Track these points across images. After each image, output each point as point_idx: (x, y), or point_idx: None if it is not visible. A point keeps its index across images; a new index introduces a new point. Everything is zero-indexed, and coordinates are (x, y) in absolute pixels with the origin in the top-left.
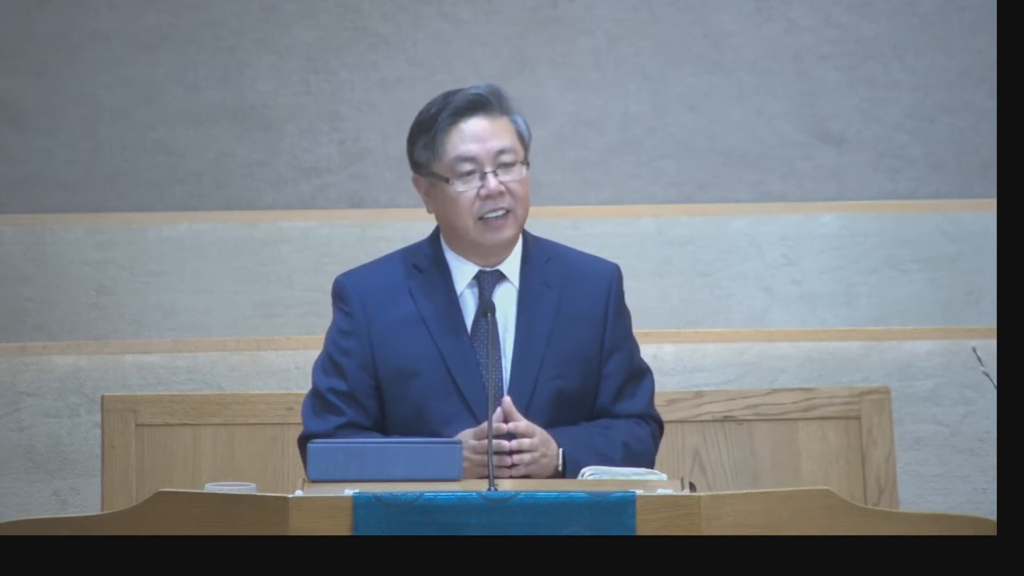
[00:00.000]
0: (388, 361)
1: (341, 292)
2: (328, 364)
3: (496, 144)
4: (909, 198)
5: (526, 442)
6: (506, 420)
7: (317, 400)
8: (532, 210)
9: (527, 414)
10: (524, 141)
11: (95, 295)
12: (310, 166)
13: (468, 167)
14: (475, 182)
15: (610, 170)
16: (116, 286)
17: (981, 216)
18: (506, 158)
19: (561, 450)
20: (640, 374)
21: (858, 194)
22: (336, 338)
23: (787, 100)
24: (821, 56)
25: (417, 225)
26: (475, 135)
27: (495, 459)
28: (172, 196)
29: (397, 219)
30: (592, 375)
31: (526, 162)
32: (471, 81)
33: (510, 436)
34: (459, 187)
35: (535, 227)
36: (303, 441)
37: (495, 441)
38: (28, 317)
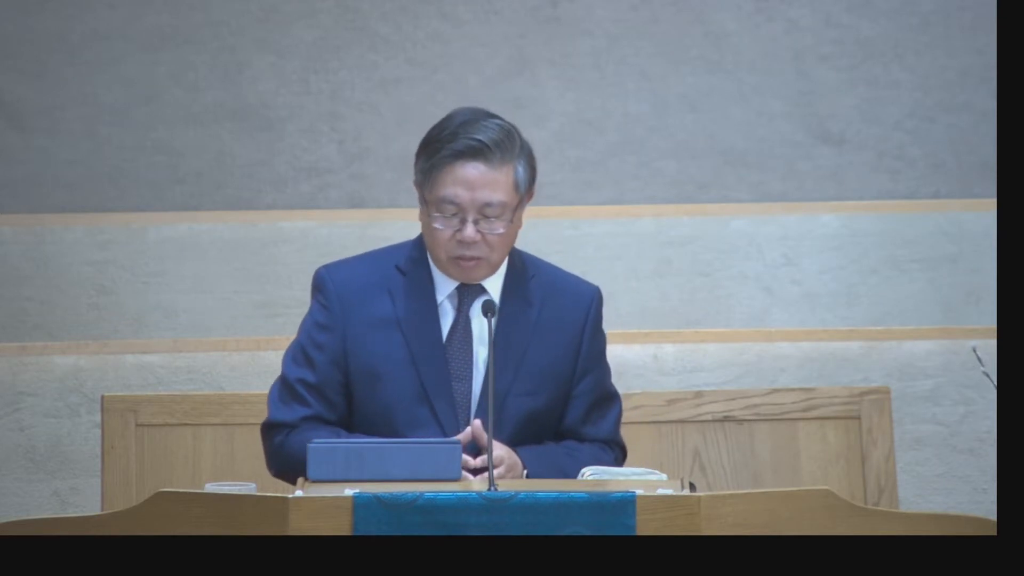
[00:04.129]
0: (359, 360)
1: (321, 284)
2: (300, 354)
3: (484, 196)
4: (909, 198)
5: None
6: (475, 442)
7: (285, 389)
8: (533, 210)
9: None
10: (520, 191)
11: (95, 295)
12: (310, 166)
13: (451, 210)
14: (454, 223)
15: (610, 170)
16: (116, 286)
17: (981, 216)
18: (491, 211)
19: (526, 472)
20: (609, 399)
21: (858, 194)
22: (311, 330)
23: (787, 100)
24: (821, 56)
25: (417, 225)
26: (467, 182)
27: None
28: (172, 196)
29: (397, 219)
30: (561, 394)
31: (512, 218)
32: (471, 81)
33: (476, 453)
34: (438, 224)
35: (535, 228)
36: (267, 428)
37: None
38: (28, 317)
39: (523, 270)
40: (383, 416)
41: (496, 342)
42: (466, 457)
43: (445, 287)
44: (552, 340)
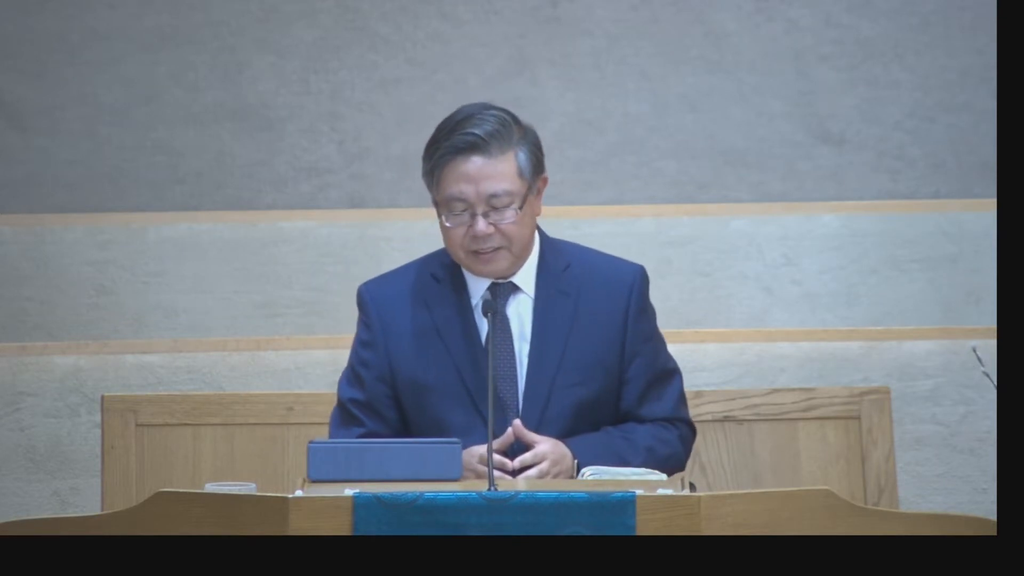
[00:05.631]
0: (404, 373)
1: (361, 302)
2: (351, 374)
3: (488, 188)
4: (909, 198)
5: (532, 473)
6: (519, 443)
7: (341, 411)
8: None
9: (539, 426)
10: (526, 177)
11: (95, 295)
12: (310, 166)
13: (460, 207)
14: (465, 219)
15: (610, 170)
16: (116, 286)
17: (981, 216)
18: (498, 202)
19: (576, 462)
20: (666, 376)
21: (858, 194)
22: (357, 349)
23: (787, 100)
24: (821, 56)
25: (417, 225)
26: (469, 177)
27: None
28: (172, 196)
29: (397, 219)
30: (613, 381)
31: (521, 205)
32: (471, 81)
33: (521, 452)
34: (450, 223)
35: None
36: None
37: (500, 462)
38: (28, 317)
39: (557, 259)
40: (435, 425)
41: (535, 336)
42: (502, 459)
43: (478, 289)
44: (594, 330)
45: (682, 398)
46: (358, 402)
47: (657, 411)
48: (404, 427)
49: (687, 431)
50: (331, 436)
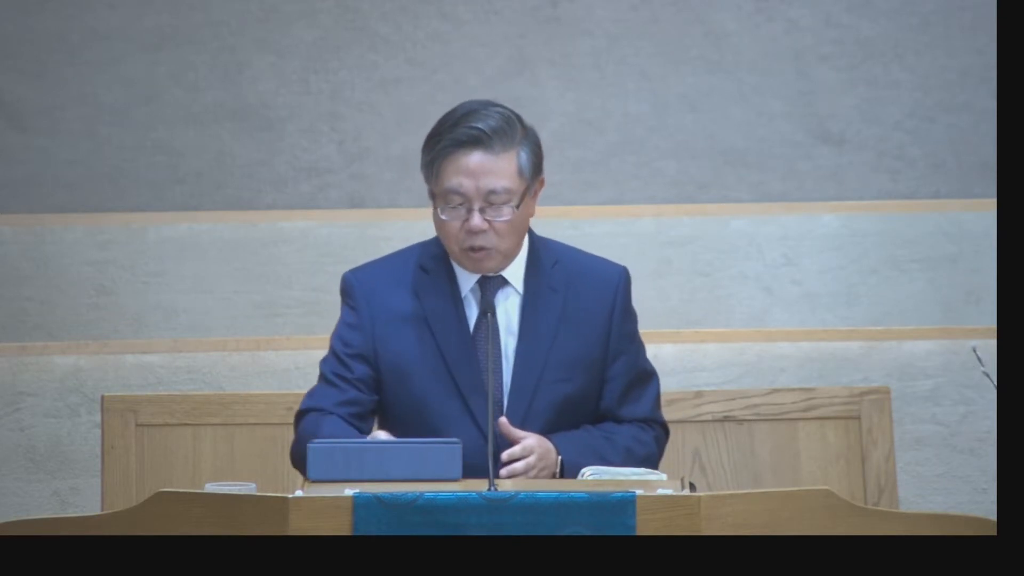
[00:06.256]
0: (389, 358)
1: (347, 288)
2: (332, 357)
3: (488, 183)
4: (909, 198)
5: (518, 466)
6: (504, 439)
7: (321, 381)
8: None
9: (525, 421)
10: (525, 176)
11: (95, 295)
12: (310, 166)
13: (457, 200)
14: (461, 213)
15: (610, 170)
16: (116, 286)
17: (981, 216)
18: (496, 198)
19: (560, 458)
20: (646, 378)
21: (858, 194)
22: (342, 332)
23: (787, 100)
24: (821, 56)
25: (417, 225)
26: (469, 171)
27: None
28: (172, 196)
29: (397, 219)
30: (595, 378)
31: (518, 204)
32: (471, 81)
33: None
34: (446, 216)
35: (537, 227)
36: (299, 416)
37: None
38: (28, 317)
39: (545, 256)
40: (416, 413)
41: (523, 330)
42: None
43: (467, 281)
44: (580, 327)
45: (658, 400)
46: (341, 376)
47: (636, 412)
48: (382, 412)
49: (662, 433)
50: (303, 405)
